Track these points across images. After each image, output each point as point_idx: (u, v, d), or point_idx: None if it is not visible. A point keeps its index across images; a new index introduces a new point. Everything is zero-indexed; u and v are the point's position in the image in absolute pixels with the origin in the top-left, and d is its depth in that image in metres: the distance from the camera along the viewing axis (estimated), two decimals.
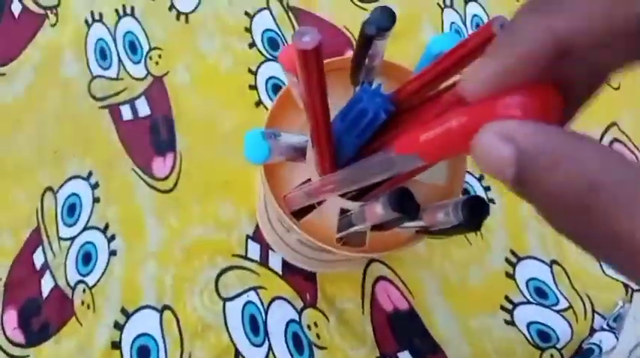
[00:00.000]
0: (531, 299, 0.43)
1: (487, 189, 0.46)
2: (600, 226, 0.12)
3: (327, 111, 0.25)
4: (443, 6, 0.51)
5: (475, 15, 0.51)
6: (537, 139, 0.13)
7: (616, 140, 0.49)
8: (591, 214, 0.12)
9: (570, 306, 0.43)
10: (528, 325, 0.43)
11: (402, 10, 0.49)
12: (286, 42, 0.47)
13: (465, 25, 0.50)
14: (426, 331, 0.42)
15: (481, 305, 0.43)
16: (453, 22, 0.50)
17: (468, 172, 0.46)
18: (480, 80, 0.15)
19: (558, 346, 0.43)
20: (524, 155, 0.13)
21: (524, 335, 0.42)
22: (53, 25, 0.47)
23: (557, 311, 0.43)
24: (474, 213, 0.22)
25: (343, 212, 0.31)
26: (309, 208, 0.31)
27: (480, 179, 0.46)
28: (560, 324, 0.43)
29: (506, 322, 0.43)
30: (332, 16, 0.49)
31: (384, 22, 0.25)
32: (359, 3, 0.50)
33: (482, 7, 0.51)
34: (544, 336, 0.42)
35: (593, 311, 0.43)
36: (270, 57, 0.47)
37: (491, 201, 0.45)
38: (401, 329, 0.42)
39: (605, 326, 0.43)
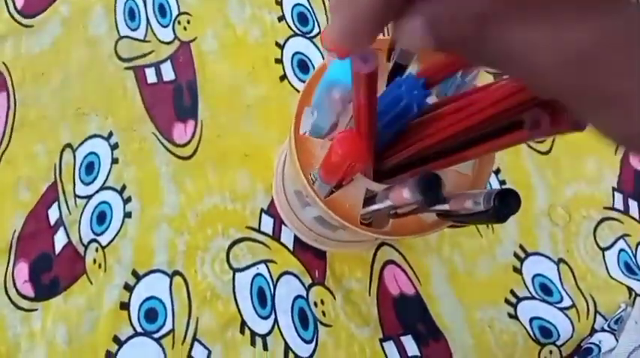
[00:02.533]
0: (536, 295, 0.43)
1: (502, 183, 0.44)
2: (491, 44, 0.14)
3: (375, 119, 0.24)
4: None
5: None
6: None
7: None
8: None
9: (573, 305, 0.42)
10: (531, 320, 0.42)
11: None
12: (316, 18, 0.45)
13: None
14: (430, 317, 0.41)
15: (486, 296, 0.42)
16: None
17: None
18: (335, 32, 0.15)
19: (558, 343, 0.42)
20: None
21: (525, 329, 0.42)
22: None
23: (560, 309, 0.42)
24: (505, 204, 0.21)
25: (369, 193, 0.30)
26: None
27: (496, 173, 0.45)
28: (562, 322, 0.42)
29: (510, 315, 0.42)
30: None
31: None
32: None
33: None
34: (545, 332, 0.42)
35: (596, 311, 0.42)
36: (298, 32, 0.45)
37: None
38: (405, 313, 0.41)
39: (606, 327, 0.42)
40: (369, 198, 0.29)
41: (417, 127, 0.27)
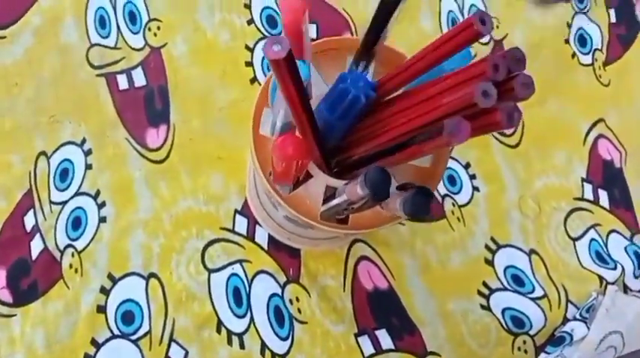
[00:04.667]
0: (508, 286, 0.42)
1: (472, 177, 0.44)
2: None
3: (308, 109, 0.23)
4: None
5: (472, 5, 0.48)
6: None
7: (602, 136, 0.47)
8: None
9: (545, 295, 0.42)
10: (503, 311, 0.42)
11: None
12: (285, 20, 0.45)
13: (463, 15, 0.48)
14: (404, 311, 0.41)
15: (459, 289, 0.42)
16: (450, 11, 0.48)
17: (455, 159, 0.44)
18: None
19: (531, 332, 0.41)
20: None
21: (498, 320, 0.41)
22: None
23: (532, 299, 0.42)
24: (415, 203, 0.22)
25: (329, 189, 0.29)
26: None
27: (466, 167, 0.44)
28: (535, 312, 0.42)
29: (482, 307, 0.42)
30: None
31: None
32: None
33: None
34: (518, 322, 0.41)
35: (567, 300, 0.42)
36: (267, 34, 0.45)
37: (476, 189, 0.44)
38: (380, 308, 0.41)
39: (577, 316, 0.42)
40: (333, 195, 0.29)
41: (372, 122, 0.27)
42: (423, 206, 0.23)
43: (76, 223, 0.40)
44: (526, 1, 0.48)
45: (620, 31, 0.50)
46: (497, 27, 0.48)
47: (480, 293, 0.42)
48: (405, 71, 0.23)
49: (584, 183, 0.45)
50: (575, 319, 0.42)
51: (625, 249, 0.43)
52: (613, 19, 0.51)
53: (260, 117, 0.30)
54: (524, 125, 0.45)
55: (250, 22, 0.45)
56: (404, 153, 0.24)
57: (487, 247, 0.43)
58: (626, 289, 0.43)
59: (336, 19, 0.47)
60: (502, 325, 0.41)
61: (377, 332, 0.41)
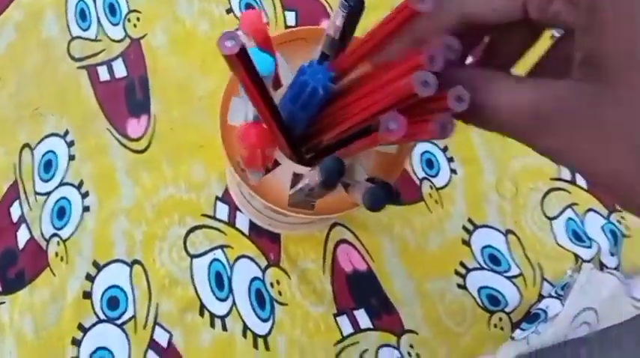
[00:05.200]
0: (484, 266, 0.43)
1: (450, 159, 0.44)
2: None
3: (268, 100, 0.24)
4: None
5: None
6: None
7: None
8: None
9: (521, 273, 0.43)
10: (479, 289, 0.42)
11: None
12: (264, 9, 0.45)
13: None
14: (382, 291, 0.42)
15: (436, 269, 0.43)
16: None
17: (433, 143, 0.45)
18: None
19: (507, 310, 0.42)
20: None
21: (474, 298, 0.42)
22: None
23: (508, 278, 0.43)
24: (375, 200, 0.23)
25: (296, 176, 0.30)
26: None
27: (444, 150, 0.45)
28: (510, 290, 0.42)
29: (459, 286, 0.42)
30: None
31: None
32: None
33: None
34: (494, 300, 0.42)
35: (543, 278, 0.43)
36: None
37: (454, 171, 0.44)
38: (359, 289, 0.42)
39: (553, 294, 0.42)
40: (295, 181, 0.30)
41: (334, 110, 0.27)
42: (381, 200, 0.23)
43: (61, 213, 0.41)
44: None
45: None
46: None
47: (457, 273, 0.43)
48: (353, 54, 0.23)
49: None
50: (550, 296, 0.42)
51: (602, 227, 0.44)
52: None
53: (228, 107, 0.30)
54: None
55: (229, 10, 0.45)
56: (361, 141, 0.24)
57: (464, 228, 0.43)
58: (602, 266, 0.44)
59: (315, 7, 0.47)
60: (478, 303, 0.42)
61: (355, 312, 0.41)
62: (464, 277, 0.43)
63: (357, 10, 0.25)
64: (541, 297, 0.42)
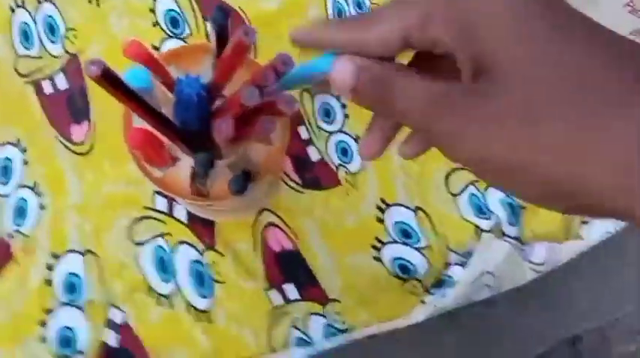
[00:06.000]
0: (397, 239, 0.48)
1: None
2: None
3: (147, 107, 0.29)
4: None
5: None
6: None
7: None
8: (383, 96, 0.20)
9: (429, 245, 0.48)
10: (393, 260, 0.48)
11: None
12: (186, 20, 0.50)
13: (348, 4, 0.52)
14: (307, 266, 0.47)
15: (354, 245, 0.48)
16: (336, 1, 0.52)
17: (346, 133, 0.49)
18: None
19: (418, 277, 0.48)
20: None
21: (387, 269, 0.47)
22: None
23: (418, 249, 0.48)
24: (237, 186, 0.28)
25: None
26: None
27: (356, 139, 0.49)
28: (420, 260, 0.48)
29: (375, 258, 0.48)
30: None
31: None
32: None
33: None
34: (405, 269, 0.48)
35: (448, 248, 0.48)
36: (170, 34, 0.50)
37: None
38: (287, 265, 0.47)
39: (457, 261, 0.47)
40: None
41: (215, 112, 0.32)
42: (241, 186, 0.29)
43: (21, 212, 0.47)
44: None
45: None
46: None
47: (373, 247, 0.48)
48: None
49: None
50: (455, 264, 0.47)
51: (500, 201, 0.49)
52: None
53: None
54: None
55: (155, 24, 0.50)
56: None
57: (378, 207, 0.49)
58: (503, 235, 0.49)
59: (235, 18, 0.51)
60: (390, 272, 0.47)
61: (284, 286, 0.47)
62: (379, 250, 0.48)
63: (224, 24, 0.29)
64: (447, 265, 0.48)
